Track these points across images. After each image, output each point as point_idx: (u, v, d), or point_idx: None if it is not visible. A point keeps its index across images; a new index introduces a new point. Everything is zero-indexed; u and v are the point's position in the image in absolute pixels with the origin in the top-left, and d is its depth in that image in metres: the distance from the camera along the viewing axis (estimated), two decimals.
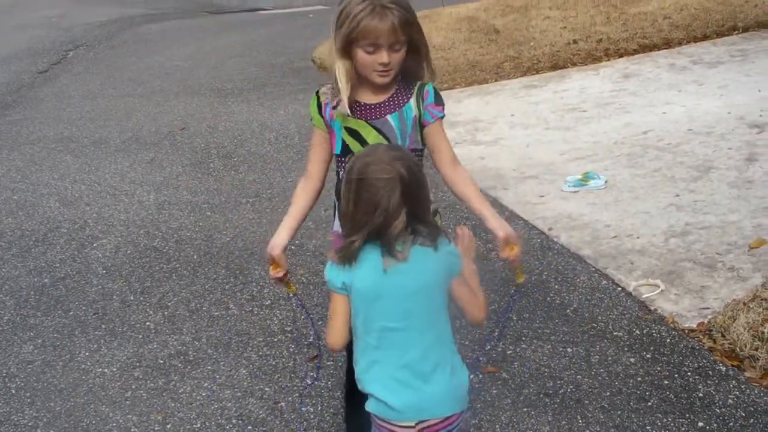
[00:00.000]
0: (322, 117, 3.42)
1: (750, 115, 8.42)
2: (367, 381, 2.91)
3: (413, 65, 3.40)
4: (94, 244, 6.87)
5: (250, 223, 7.02)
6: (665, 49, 11.73)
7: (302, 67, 13.55)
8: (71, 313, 5.77)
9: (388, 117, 3.35)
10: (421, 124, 3.41)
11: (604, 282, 5.64)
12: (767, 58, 10.49)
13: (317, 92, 3.47)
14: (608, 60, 11.61)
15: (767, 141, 7.69)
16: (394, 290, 2.78)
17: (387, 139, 3.33)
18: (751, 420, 4.16)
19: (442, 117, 3.46)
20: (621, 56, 11.66)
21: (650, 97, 9.64)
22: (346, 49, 3.27)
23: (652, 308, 5.28)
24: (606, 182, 7.25)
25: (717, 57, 10.92)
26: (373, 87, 3.37)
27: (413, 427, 2.85)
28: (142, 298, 5.91)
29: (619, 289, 5.55)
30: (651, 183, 7.15)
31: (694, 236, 6.09)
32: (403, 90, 3.40)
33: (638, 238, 6.19)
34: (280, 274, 3.41)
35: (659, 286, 5.50)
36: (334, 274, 2.84)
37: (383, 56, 3.22)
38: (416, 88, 3.40)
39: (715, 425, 4.15)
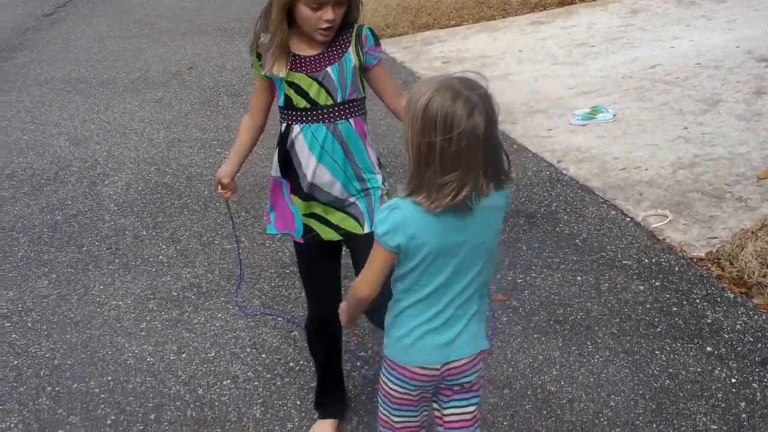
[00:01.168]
0: (262, 68, 3.38)
1: (758, 49, 8.39)
2: (397, 327, 2.83)
3: (348, 11, 3.34)
4: (105, 182, 6.91)
5: (260, 158, 7.01)
6: None
7: None
8: (84, 248, 5.82)
9: (328, 69, 3.29)
10: (363, 69, 3.37)
11: (613, 212, 5.67)
12: None
13: (257, 43, 3.38)
14: None
15: None
16: (455, 246, 2.65)
17: (327, 90, 3.29)
18: (759, 345, 4.22)
19: (383, 57, 3.44)
20: None
21: (658, 32, 9.60)
22: (288, 5, 3.23)
23: (661, 238, 5.32)
24: (614, 115, 7.26)
25: None
26: (310, 38, 3.32)
27: (438, 368, 2.80)
28: (154, 233, 5.96)
29: (628, 219, 5.58)
30: (659, 116, 7.16)
31: (702, 168, 6.11)
32: (340, 38, 3.34)
33: (646, 169, 6.21)
34: (228, 195, 3.66)
35: (668, 216, 5.53)
36: (391, 229, 2.61)
37: (329, 13, 3.17)
38: (354, 35, 3.34)
39: (723, 350, 4.20)
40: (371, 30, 3.40)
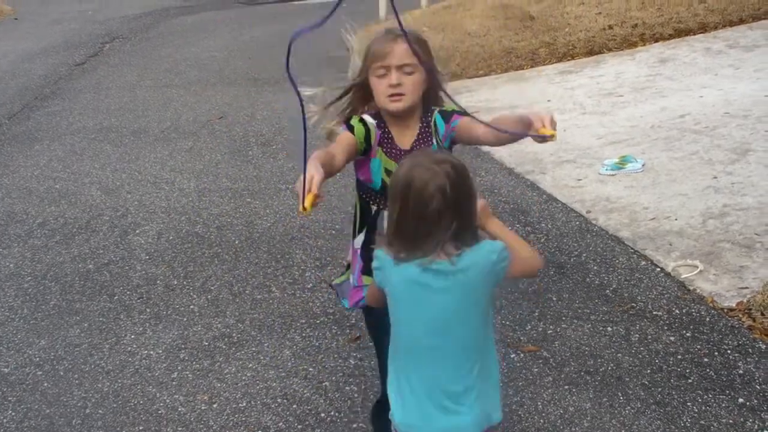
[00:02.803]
0: (368, 143, 3.38)
1: None
2: (395, 391, 2.89)
3: (429, 95, 3.42)
4: (137, 231, 6.97)
5: (290, 209, 7.08)
6: (701, 33, 11.69)
7: (338, 57, 13.54)
8: (116, 297, 5.86)
9: None
10: (453, 143, 3.45)
11: (643, 263, 5.67)
12: None
13: (365, 119, 3.43)
14: (644, 45, 11.60)
15: None
16: (432, 306, 2.74)
17: None
18: None
19: (462, 113, 3.42)
20: (656, 41, 11.64)
21: (686, 82, 9.63)
22: (364, 84, 3.37)
23: (691, 288, 5.31)
24: (643, 165, 7.27)
25: (753, 40, 10.88)
26: (402, 129, 3.40)
27: None
28: (185, 283, 5.99)
29: (658, 269, 5.58)
30: (688, 166, 7.16)
31: (732, 217, 6.11)
32: (425, 129, 3.42)
33: (676, 219, 6.21)
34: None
35: (698, 267, 5.52)
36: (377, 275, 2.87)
37: (392, 77, 3.24)
38: (433, 127, 3.42)
39: (755, 401, 4.19)
40: (441, 112, 3.44)
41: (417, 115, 3.41)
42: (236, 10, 21.25)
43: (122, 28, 18.31)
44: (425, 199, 2.63)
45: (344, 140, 3.35)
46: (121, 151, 9.26)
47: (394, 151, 3.39)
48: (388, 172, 3.37)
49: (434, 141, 3.40)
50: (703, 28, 11.80)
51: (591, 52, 11.64)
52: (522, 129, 3.08)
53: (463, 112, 3.39)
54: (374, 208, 3.47)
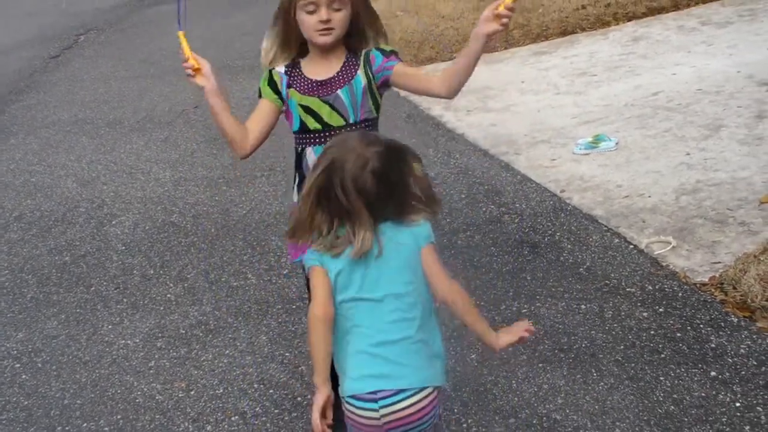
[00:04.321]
0: (278, 94, 3.57)
1: (759, 74, 8.44)
2: (340, 358, 2.93)
3: (357, 35, 3.58)
4: (113, 222, 6.98)
5: (266, 196, 7.11)
6: (674, 11, 11.70)
7: None
8: (93, 288, 5.88)
9: (339, 92, 3.49)
10: (383, 84, 3.55)
11: (617, 240, 5.72)
12: None
13: (270, 70, 3.64)
14: (617, 24, 11.59)
15: None
16: (366, 273, 2.83)
17: (339, 112, 3.49)
18: (763, 368, 4.24)
19: (400, 60, 3.57)
20: (630, 20, 11.65)
21: (660, 59, 9.66)
22: (288, 17, 3.51)
23: (664, 264, 5.35)
24: (617, 144, 7.31)
25: (726, 17, 10.91)
26: (321, 61, 3.54)
27: (377, 412, 2.82)
28: (161, 272, 6.02)
29: (632, 246, 5.62)
30: (661, 143, 7.21)
31: (705, 193, 6.15)
32: (351, 63, 3.54)
33: (649, 196, 6.26)
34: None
35: (671, 243, 5.56)
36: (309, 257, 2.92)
37: (323, 13, 3.36)
38: (362, 59, 3.54)
39: (727, 374, 4.23)
40: (380, 48, 3.58)
41: (341, 50, 3.55)
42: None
43: (96, 19, 18.22)
44: (353, 183, 2.75)
45: (260, 108, 3.64)
46: (96, 142, 9.26)
47: (305, 84, 3.52)
48: (304, 107, 3.50)
49: (361, 74, 3.51)
50: (676, 6, 11.80)
51: (564, 33, 11.64)
52: (474, 44, 3.34)
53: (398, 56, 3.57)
54: (298, 148, 3.61)
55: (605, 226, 5.92)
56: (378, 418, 2.81)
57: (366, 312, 2.84)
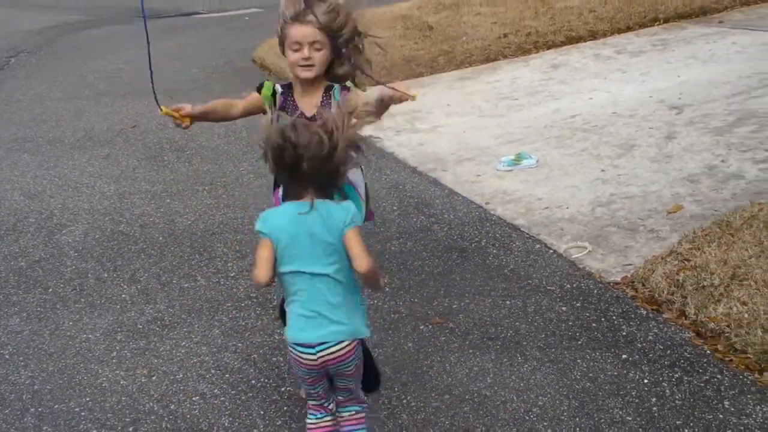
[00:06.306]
0: (271, 102, 4.23)
1: (670, 98, 9.07)
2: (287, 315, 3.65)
3: (337, 68, 4.21)
4: (63, 231, 7.30)
5: (209, 208, 7.50)
6: (591, 40, 12.38)
7: (244, 67, 14.04)
8: (50, 290, 6.20)
9: None
10: None
11: (538, 246, 6.24)
12: (686, 47, 11.19)
13: (273, 85, 4.29)
14: (537, 52, 12.23)
15: (685, 120, 8.34)
16: (303, 236, 3.46)
17: None
18: (668, 351, 4.78)
19: (349, 90, 4.17)
20: (549, 48, 12.29)
21: (577, 85, 10.26)
22: (282, 48, 4.18)
23: (581, 266, 5.88)
24: (538, 161, 7.84)
25: (639, 47, 11.59)
26: (309, 89, 4.16)
27: (314, 355, 3.54)
28: (115, 275, 6.37)
29: (551, 251, 6.14)
30: (579, 161, 7.76)
31: (618, 205, 6.70)
32: (326, 101, 4.14)
33: (568, 208, 6.79)
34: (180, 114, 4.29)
35: (587, 248, 6.09)
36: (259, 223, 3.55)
37: (305, 51, 4.02)
38: (333, 97, 4.14)
39: (636, 357, 4.76)
40: (341, 86, 4.19)
41: (321, 85, 4.15)
42: (139, 24, 21.27)
43: (26, 42, 18.41)
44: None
45: (250, 97, 4.28)
46: (39, 159, 9.52)
47: (295, 114, 4.12)
48: None
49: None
50: (593, 36, 12.48)
51: (488, 60, 12.22)
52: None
53: (354, 86, 4.22)
54: None
55: (527, 234, 6.44)
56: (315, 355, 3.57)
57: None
